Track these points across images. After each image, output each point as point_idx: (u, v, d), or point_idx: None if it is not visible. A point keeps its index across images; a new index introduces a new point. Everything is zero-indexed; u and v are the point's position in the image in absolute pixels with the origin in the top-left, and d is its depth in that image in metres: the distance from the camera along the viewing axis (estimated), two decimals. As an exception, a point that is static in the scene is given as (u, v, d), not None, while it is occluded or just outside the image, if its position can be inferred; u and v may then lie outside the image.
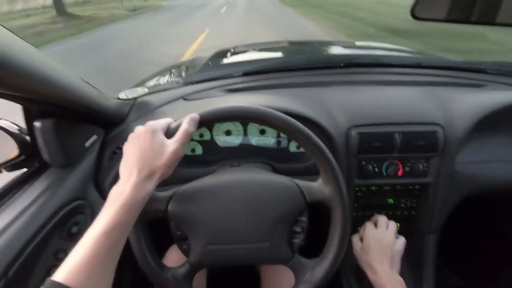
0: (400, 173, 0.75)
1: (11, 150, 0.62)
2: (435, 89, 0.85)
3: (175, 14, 13.28)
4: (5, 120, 0.60)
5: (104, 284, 0.37)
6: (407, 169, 0.75)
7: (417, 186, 0.78)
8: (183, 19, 11.06)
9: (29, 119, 0.58)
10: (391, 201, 0.81)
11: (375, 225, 0.68)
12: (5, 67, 0.39)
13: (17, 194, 0.57)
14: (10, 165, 0.61)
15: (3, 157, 0.61)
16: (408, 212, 0.82)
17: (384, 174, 0.75)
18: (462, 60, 1.01)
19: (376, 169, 0.75)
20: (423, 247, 0.82)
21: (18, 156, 0.61)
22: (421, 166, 0.73)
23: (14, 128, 0.60)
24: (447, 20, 0.57)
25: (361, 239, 0.67)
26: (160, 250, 0.74)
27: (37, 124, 0.57)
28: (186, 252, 0.54)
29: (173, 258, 0.69)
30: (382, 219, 0.68)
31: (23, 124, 0.60)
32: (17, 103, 0.52)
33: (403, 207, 0.81)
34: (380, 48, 1.51)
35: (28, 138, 0.61)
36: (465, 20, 0.58)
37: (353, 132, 0.72)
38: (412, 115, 0.75)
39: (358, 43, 1.61)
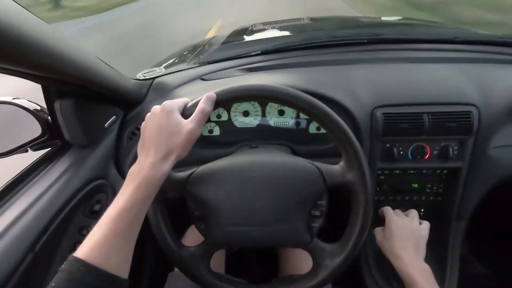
0: (427, 156, 0.71)
1: (36, 130, 0.64)
2: (470, 66, 0.78)
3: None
4: (27, 100, 0.62)
5: (124, 260, 0.38)
6: (435, 152, 0.70)
7: (445, 171, 0.74)
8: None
9: (49, 99, 0.59)
10: (415, 185, 0.77)
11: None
12: (23, 44, 0.39)
13: (42, 173, 0.59)
14: (35, 144, 0.63)
15: (28, 137, 0.63)
16: (434, 197, 0.78)
17: (410, 157, 0.71)
18: (502, 34, 0.92)
19: (401, 152, 0.71)
20: (449, 235, 0.78)
21: (42, 135, 0.63)
22: (451, 150, 0.69)
23: (36, 108, 0.61)
24: None
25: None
26: (181, 231, 0.75)
27: (56, 104, 0.58)
28: (204, 232, 0.55)
29: (192, 238, 0.70)
30: (399, 210, 0.66)
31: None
32: (37, 82, 0.53)
33: (429, 192, 0.77)
34: (408, 23, 1.40)
35: (50, 118, 0.62)
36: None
37: (378, 113, 0.68)
38: (443, 95, 0.69)
39: (384, 18, 1.50)
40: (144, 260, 0.89)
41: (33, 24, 0.41)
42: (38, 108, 0.62)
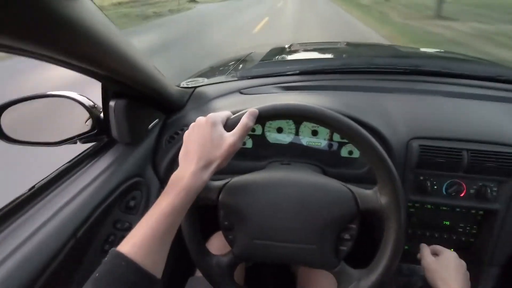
0: (463, 194, 0.69)
1: (83, 124, 0.69)
2: None
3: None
4: (85, 96, 0.67)
5: (160, 261, 0.40)
6: (471, 191, 0.68)
7: (481, 212, 0.71)
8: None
9: (105, 98, 0.64)
10: (447, 223, 0.75)
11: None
12: (95, 44, 0.43)
13: (88, 165, 0.64)
14: (84, 138, 0.67)
15: (79, 130, 0.68)
16: (466, 238, 0.75)
17: (444, 193, 0.69)
18: None
19: (435, 187, 0.69)
20: (479, 280, 0.74)
21: (91, 130, 0.67)
22: (489, 190, 0.66)
23: (91, 105, 0.67)
24: None
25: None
26: (203, 236, 0.77)
27: (111, 103, 0.63)
28: (231, 243, 0.55)
29: (216, 245, 0.71)
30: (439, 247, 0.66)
31: (99, 102, 0.67)
32: (98, 80, 0.57)
33: (461, 232, 0.74)
34: (447, 57, 1.39)
35: (101, 115, 0.67)
36: None
37: (414, 144, 0.68)
38: (485, 133, 0.68)
39: (423, 49, 1.49)
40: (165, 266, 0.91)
41: (105, 26, 0.45)
42: (92, 104, 0.67)
